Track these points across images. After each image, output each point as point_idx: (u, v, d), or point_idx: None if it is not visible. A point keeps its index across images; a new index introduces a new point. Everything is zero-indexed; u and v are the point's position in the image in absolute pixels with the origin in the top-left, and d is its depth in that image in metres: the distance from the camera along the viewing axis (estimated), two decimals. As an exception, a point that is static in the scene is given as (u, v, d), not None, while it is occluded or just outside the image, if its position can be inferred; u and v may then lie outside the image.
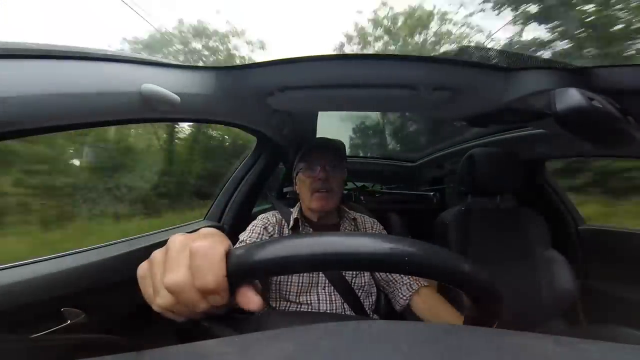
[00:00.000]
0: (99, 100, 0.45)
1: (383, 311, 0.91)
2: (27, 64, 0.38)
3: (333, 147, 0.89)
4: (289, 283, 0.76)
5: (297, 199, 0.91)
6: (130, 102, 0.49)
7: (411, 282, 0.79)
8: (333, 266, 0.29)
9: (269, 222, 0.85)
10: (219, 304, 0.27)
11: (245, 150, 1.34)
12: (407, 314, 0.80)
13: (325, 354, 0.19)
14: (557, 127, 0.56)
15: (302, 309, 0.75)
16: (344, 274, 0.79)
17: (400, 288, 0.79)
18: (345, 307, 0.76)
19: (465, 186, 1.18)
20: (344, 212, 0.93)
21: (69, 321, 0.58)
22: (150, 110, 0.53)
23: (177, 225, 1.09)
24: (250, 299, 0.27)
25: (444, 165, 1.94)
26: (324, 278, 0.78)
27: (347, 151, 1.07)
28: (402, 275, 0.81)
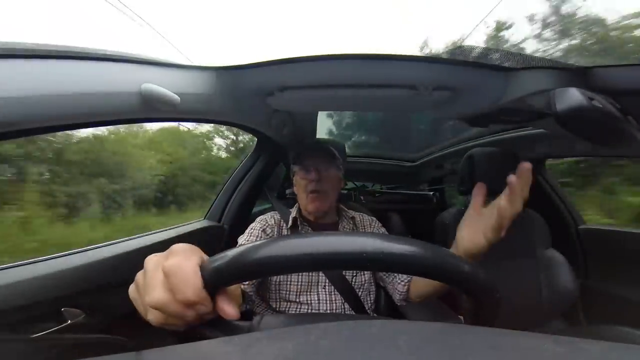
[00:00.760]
0: (99, 100, 0.45)
1: (383, 310, 0.91)
2: (27, 64, 0.38)
3: (326, 148, 0.89)
4: (288, 283, 0.76)
5: (297, 199, 0.92)
6: (130, 102, 0.49)
7: None
8: (304, 267, 0.29)
9: (267, 224, 0.85)
10: (205, 312, 0.29)
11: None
12: (407, 309, 0.80)
13: (325, 354, 0.19)
14: (557, 127, 0.56)
15: (302, 309, 0.75)
16: (344, 273, 0.79)
17: (397, 275, 0.79)
18: (345, 306, 0.76)
19: (465, 186, 1.18)
20: (343, 211, 0.93)
21: (69, 321, 0.58)
22: (150, 110, 0.53)
23: (177, 225, 1.09)
24: (224, 309, 0.29)
25: (444, 165, 1.94)
26: (324, 277, 0.78)
27: (347, 151, 1.06)
28: None
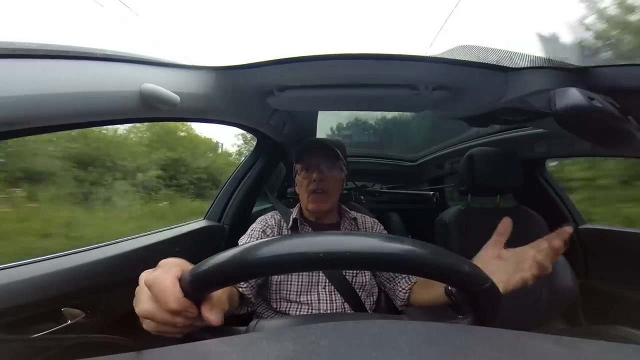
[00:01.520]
0: (99, 100, 0.45)
1: (384, 310, 0.91)
2: (27, 64, 0.38)
3: (328, 147, 0.88)
4: (289, 283, 0.76)
5: (298, 199, 0.91)
6: (130, 102, 0.49)
7: (410, 276, 0.79)
8: (282, 269, 0.31)
9: (267, 225, 0.85)
10: (192, 317, 0.31)
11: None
12: (407, 309, 0.80)
13: (325, 354, 0.19)
14: (557, 127, 0.56)
15: (302, 309, 0.75)
16: (344, 273, 0.79)
17: (399, 282, 0.79)
18: (345, 306, 0.76)
19: (465, 186, 1.18)
20: (344, 211, 0.93)
21: (69, 321, 0.58)
22: (150, 110, 0.53)
23: (177, 225, 1.09)
24: (207, 316, 0.31)
25: (444, 164, 1.94)
26: (324, 277, 0.78)
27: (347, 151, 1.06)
28: None
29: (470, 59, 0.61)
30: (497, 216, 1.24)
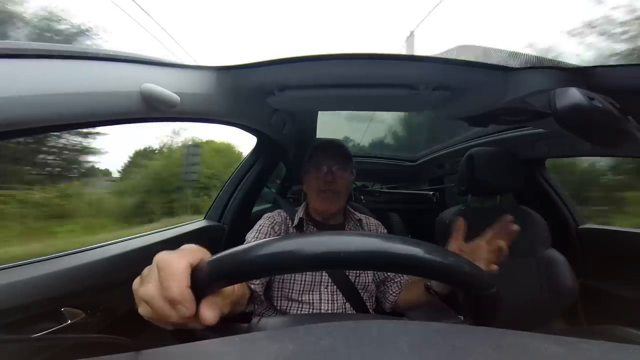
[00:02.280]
0: (99, 100, 0.45)
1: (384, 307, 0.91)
2: (27, 64, 0.38)
3: (341, 148, 0.89)
4: (291, 282, 0.77)
5: (299, 199, 0.92)
6: (130, 102, 0.49)
7: (401, 280, 0.82)
8: (295, 268, 0.30)
9: (275, 222, 0.86)
10: (185, 315, 0.28)
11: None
12: (408, 312, 0.82)
13: (325, 354, 0.19)
14: (557, 127, 0.56)
15: (304, 308, 0.75)
16: (347, 273, 0.79)
17: (391, 286, 0.82)
18: (347, 306, 0.77)
19: (465, 186, 1.18)
20: (350, 213, 0.93)
21: (69, 321, 0.58)
22: (150, 110, 0.52)
23: (177, 225, 1.09)
24: (203, 313, 0.29)
25: (444, 164, 1.94)
26: (326, 277, 0.78)
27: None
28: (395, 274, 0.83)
29: (470, 59, 0.61)
30: (497, 216, 1.24)
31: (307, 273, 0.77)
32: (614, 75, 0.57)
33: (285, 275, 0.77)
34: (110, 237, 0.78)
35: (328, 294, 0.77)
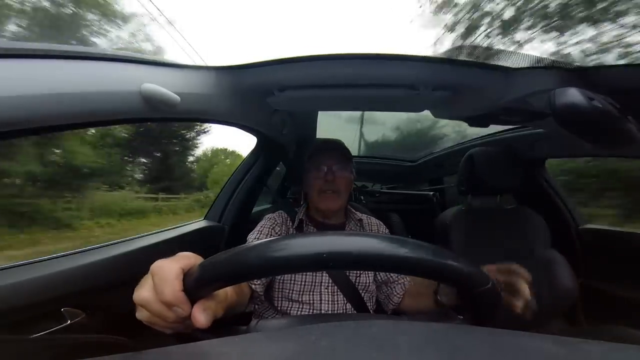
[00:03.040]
0: (99, 100, 0.45)
1: (386, 309, 0.91)
2: (27, 64, 0.38)
3: (341, 148, 0.89)
4: (292, 282, 0.77)
5: (299, 199, 0.92)
6: (130, 102, 0.49)
7: (404, 282, 0.82)
8: (286, 270, 0.31)
9: (275, 222, 0.86)
10: (183, 315, 0.30)
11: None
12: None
13: (325, 354, 0.19)
14: (557, 127, 0.56)
15: (304, 309, 0.75)
16: (347, 273, 0.79)
17: (395, 287, 0.82)
18: (348, 307, 0.76)
19: (465, 186, 1.18)
20: (351, 212, 0.93)
21: (69, 321, 0.58)
22: (150, 110, 0.53)
23: (177, 225, 1.09)
24: (195, 316, 0.30)
25: (444, 164, 1.94)
26: (327, 277, 0.78)
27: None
28: (398, 275, 0.83)
29: (470, 59, 0.61)
30: (497, 216, 1.24)
31: (308, 273, 0.77)
32: (614, 75, 0.57)
33: (286, 275, 0.77)
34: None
35: (328, 295, 0.76)
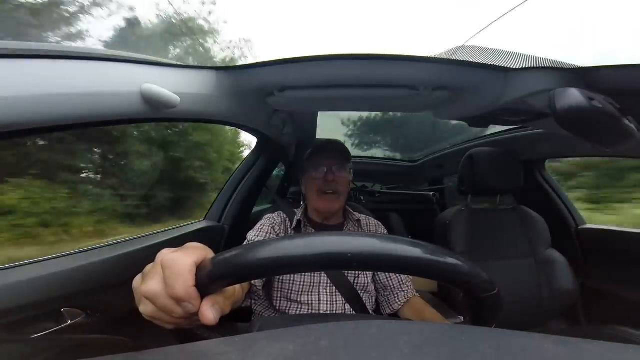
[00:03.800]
0: (99, 100, 0.45)
1: (384, 312, 0.91)
2: (27, 64, 0.38)
3: (340, 148, 0.90)
4: (291, 282, 0.77)
5: (299, 199, 0.92)
6: (130, 102, 0.49)
7: (408, 290, 0.83)
8: (302, 268, 0.30)
9: (275, 222, 0.86)
10: (192, 311, 0.29)
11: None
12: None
13: (325, 354, 0.19)
14: (557, 127, 0.56)
15: (302, 309, 0.75)
16: (346, 274, 0.79)
17: (397, 294, 0.83)
18: (346, 307, 0.77)
19: (465, 186, 1.18)
20: (349, 213, 0.93)
21: (69, 321, 0.58)
22: (150, 110, 0.53)
23: (177, 226, 1.09)
24: (204, 313, 0.29)
25: (444, 164, 1.94)
26: (326, 278, 0.78)
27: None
28: (401, 283, 0.84)
29: (470, 59, 0.61)
30: (497, 217, 1.24)
31: (307, 274, 0.77)
32: (614, 75, 0.57)
33: (285, 276, 0.77)
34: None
35: (327, 295, 0.77)
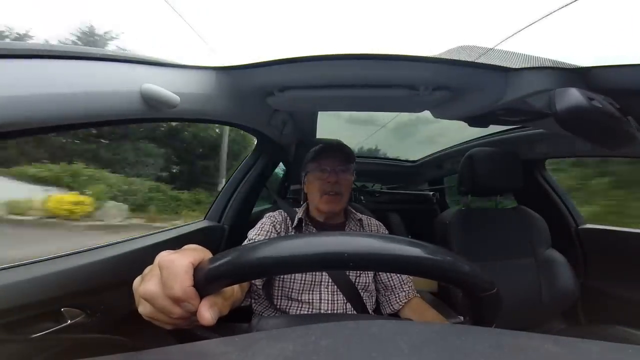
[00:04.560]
0: (99, 100, 0.45)
1: (384, 312, 0.91)
2: (27, 64, 0.38)
3: (344, 149, 0.90)
4: (292, 281, 0.77)
5: (299, 199, 0.92)
6: (130, 102, 0.49)
7: (409, 290, 0.83)
8: (300, 268, 0.30)
9: (276, 221, 0.87)
10: (191, 311, 0.29)
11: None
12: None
13: (325, 354, 0.19)
14: (557, 127, 0.56)
15: (303, 308, 0.75)
16: (347, 273, 0.79)
17: (398, 294, 0.82)
18: (347, 306, 0.77)
19: (465, 186, 1.18)
20: (350, 213, 0.94)
21: (69, 321, 0.58)
22: (151, 110, 0.53)
23: (178, 226, 1.08)
24: (202, 314, 0.29)
25: (444, 164, 1.95)
26: (327, 277, 0.78)
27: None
28: (402, 282, 0.84)
29: (470, 59, 0.61)
30: (496, 216, 1.24)
31: (308, 273, 0.77)
32: (614, 75, 0.57)
33: (286, 275, 0.77)
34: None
35: (328, 294, 0.77)
